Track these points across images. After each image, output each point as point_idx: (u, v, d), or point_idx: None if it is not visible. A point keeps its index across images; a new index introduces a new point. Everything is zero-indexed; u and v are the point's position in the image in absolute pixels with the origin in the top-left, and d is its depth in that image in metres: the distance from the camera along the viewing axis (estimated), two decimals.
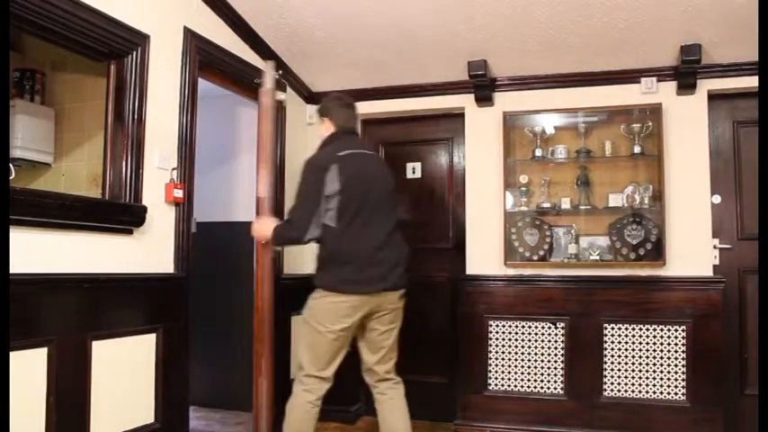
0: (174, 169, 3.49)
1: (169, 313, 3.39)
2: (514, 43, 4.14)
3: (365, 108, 4.72)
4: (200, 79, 3.75)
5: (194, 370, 3.76)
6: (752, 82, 4.13)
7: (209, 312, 4.76)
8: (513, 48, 4.19)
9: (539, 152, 4.39)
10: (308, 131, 4.82)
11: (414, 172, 4.81)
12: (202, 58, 3.73)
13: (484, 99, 4.50)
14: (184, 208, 3.57)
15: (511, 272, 4.37)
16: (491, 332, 4.33)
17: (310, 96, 4.87)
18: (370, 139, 4.90)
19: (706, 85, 4.21)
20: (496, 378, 4.31)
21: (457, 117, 4.66)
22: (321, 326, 3.05)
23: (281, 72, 4.31)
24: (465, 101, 4.58)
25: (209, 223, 4.78)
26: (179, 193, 3.48)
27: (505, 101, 4.51)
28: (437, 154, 4.81)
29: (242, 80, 4.14)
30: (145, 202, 3.27)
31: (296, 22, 4.07)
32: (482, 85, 4.45)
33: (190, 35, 3.62)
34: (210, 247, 4.70)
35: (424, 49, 4.26)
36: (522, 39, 4.08)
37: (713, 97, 4.24)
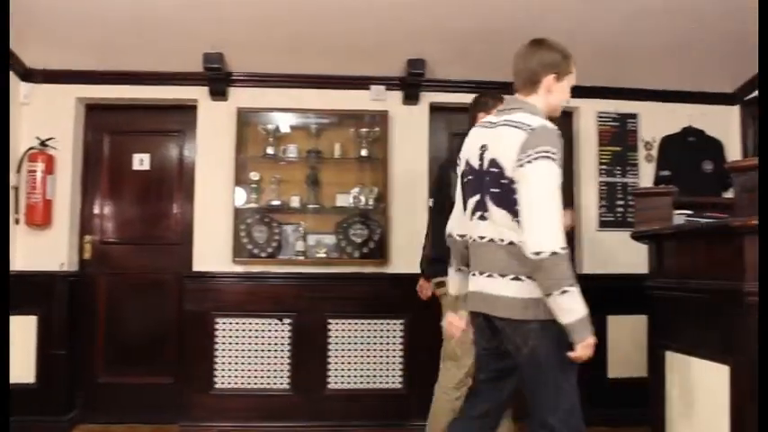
0: None
1: None
2: (252, 39, 4.12)
3: (90, 92, 4.43)
4: None
5: None
6: (466, 98, 4.53)
7: None
8: (251, 43, 4.17)
9: (271, 150, 4.41)
10: (23, 112, 4.33)
11: (141, 163, 4.55)
12: None
13: (218, 93, 4.41)
14: None
15: (239, 269, 4.35)
16: (218, 330, 4.28)
17: (27, 74, 4.36)
18: (94, 126, 4.54)
19: (428, 98, 4.56)
20: (223, 376, 4.28)
21: (190, 109, 4.50)
22: None
23: None
24: (199, 93, 4.44)
25: None
26: None
27: (240, 96, 4.46)
28: (167, 146, 4.60)
29: None
30: None
31: None
32: (217, 79, 4.36)
33: None
34: None
35: (160, 36, 4.04)
36: (261, 35, 4.07)
37: (434, 109, 4.60)
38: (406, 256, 4.40)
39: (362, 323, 4.32)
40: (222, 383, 4.26)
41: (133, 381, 4.42)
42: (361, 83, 4.50)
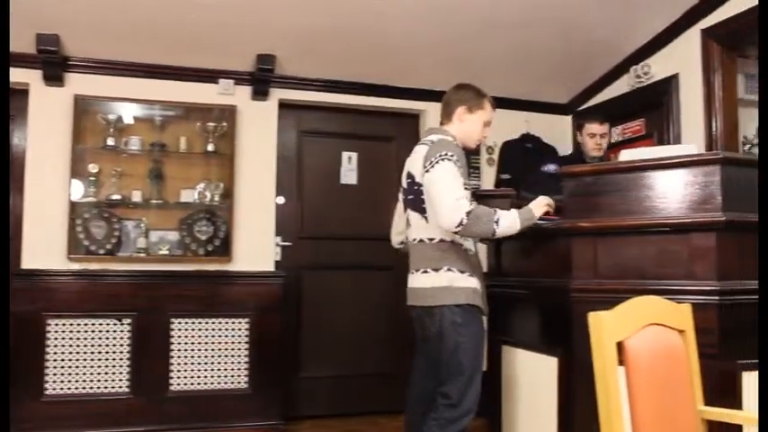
0: None
1: None
2: (94, 22, 3.91)
3: None
4: None
5: None
6: (316, 96, 4.61)
7: None
8: (91, 27, 3.95)
9: (111, 141, 4.21)
10: None
11: None
12: None
13: (53, 78, 4.14)
14: None
15: (75, 266, 4.11)
16: (50, 332, 4.00)
17: None
18: None
19: (278, 94, 4.55)
20: (55, 382, 4.00)
21: (21, 93, 4.17)
22: None
23: None
24: (31, 77, 4.13)
25: None
26: None
27: (79, 83, 4.21)
28: None
29: None
30: None
31: None
32: (52, 62, 4.09)
33: None
34: None
35: None
36: (103, 19, 3.87)
37: (283, 106, 4.59)
38: (251, 253, 4.38)
39: (206, 322, 4.21)
40: (54, 389, 3.99)
41: None
42: (209, 76, 4.41)
